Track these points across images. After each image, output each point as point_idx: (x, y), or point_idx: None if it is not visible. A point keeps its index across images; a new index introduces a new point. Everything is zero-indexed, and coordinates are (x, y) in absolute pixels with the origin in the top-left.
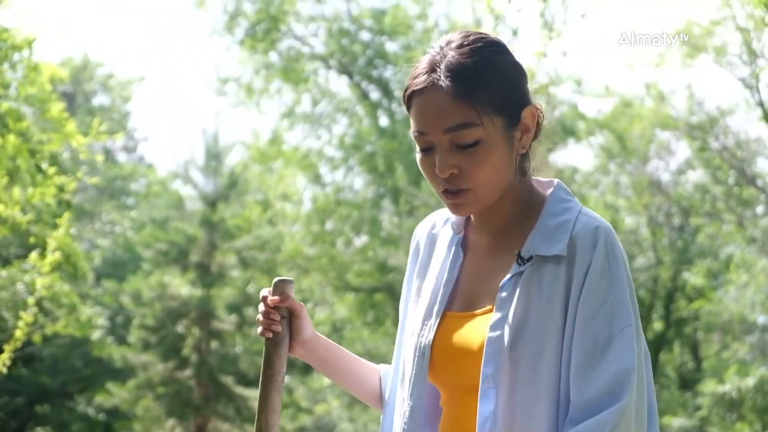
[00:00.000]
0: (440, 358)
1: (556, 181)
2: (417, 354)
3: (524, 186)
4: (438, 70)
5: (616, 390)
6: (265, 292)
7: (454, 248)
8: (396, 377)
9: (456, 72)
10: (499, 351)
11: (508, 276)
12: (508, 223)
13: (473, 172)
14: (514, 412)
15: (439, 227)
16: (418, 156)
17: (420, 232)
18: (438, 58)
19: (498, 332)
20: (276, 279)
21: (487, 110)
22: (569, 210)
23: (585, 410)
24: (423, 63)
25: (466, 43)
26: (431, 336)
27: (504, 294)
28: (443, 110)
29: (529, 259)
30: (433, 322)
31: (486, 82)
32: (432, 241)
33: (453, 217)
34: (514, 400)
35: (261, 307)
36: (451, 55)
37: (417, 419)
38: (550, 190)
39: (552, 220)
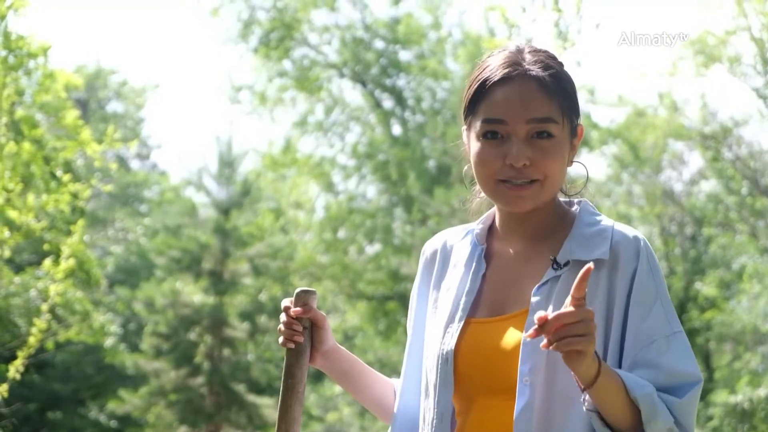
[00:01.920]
0: (465, 363)
1: (582, 199)
2: (440, 362)
3: (557, 199)
4: (524, 63)
5: (678, 386)
6: (287, 302)
7: (476, 259)
8: (406, 389)
9: (547, 67)
10: (537, 349)
11: (543, 280)
12: (541, 232)
13: (543, 166)
14: (552, 408)
15: (453, 242)
16: (477, 145)
17: (431, 248)
18: (518, 56)
19: None
20: (298, 289)
21: (566, 111)
22: (603, 221)
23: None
24: (499, 58)
25: (540, 50)
26: (453, 342)
27: (538, 298)
28: (532, 100)
29: (566, 264)
30: (456, 329)
31: (567, 85)
32: (446, 256)
33: (477, 229)
34: (552, 396)
35: (283, 317)
36: (532, 55)
37: (445, 427)
38: (577, 206)
39: (588, 228)
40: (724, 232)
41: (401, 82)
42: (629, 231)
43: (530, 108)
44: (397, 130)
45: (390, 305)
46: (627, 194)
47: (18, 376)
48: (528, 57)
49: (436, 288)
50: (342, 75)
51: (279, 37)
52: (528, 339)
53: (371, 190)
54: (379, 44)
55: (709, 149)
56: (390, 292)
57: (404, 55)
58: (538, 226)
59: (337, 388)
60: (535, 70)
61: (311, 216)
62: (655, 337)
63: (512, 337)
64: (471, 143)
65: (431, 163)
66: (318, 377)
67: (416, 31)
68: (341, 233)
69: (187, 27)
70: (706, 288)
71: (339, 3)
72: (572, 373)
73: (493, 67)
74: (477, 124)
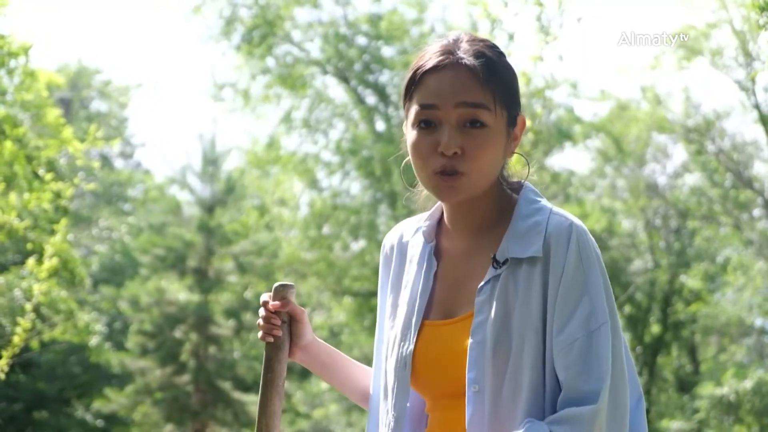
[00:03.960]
0: (422, 368)
1: (523, 182)
2: (398, 365)
3: (498, 189)
4: (458, 52)
5: (593, 391)
6: (266, 296)
7: (427, 257)
8: (377, 388)
9: (479, 55)
10: (482, 355)
11: (485, 280)
12: (483, 226)
13: (474, 155)
14: (501, 414)
15: (408, 237)
16: (413, 134)
17: (389, 243)
18: (453, 46)
19: (479, 337)
20: (277, 284)
21: (500, 100)
22: (540, 211)
23: (565, 408)
24: (435, 47)
25: (478, 39)
26: (411, 347)
27: (482, 298)
28: (463, 85)
29: (505, 262)
30: (413, 333)
31: (503, 74)
32: (402, 251)
33: (424, 226)
34: (500, 401)
35: (262, 311)
36: (469, 44)
37: (402, 430)
38: (519, 193)
39: (524, 222)
40: (708, 224)
41: (384, 78)
42: (563, 221)
43: (460, 93)
44: (380, 126)
45: (375, 301)
46: (611, 188)
47: (3, 376)
48: (463, 46)
49: (394, 285)
50: (325, 72)
51: (261, 34)
52: (474, 345)
53: (355, 187)
54: (361, 40)
55: (692, 142)
56: (375, 288)
57: (387, 51)
58: (480, 220)
59: (324, 385)
60: (467, 59)
61: (296, 213)
62: (577, 336)
63: (461, 341)
64: (408, 133)
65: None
66: (304, 374)
67: (399, 27)
68: (326, 230)
69: (170, 25)
70: (691, 281)
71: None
72: None
73: (428, 55)
74: (411, 112)
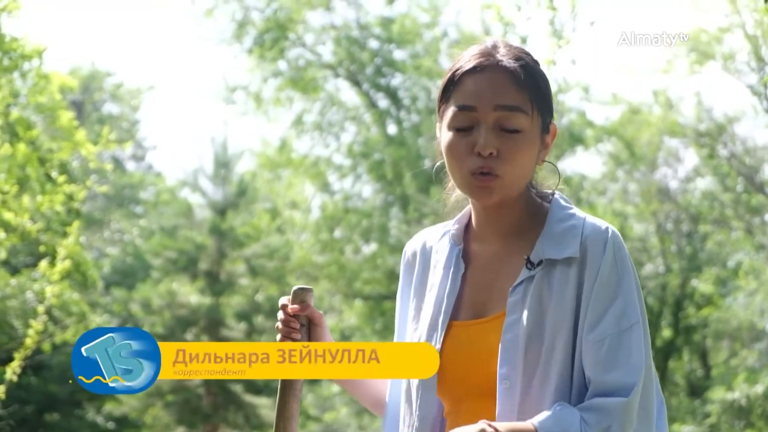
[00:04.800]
0: (449, 367)
1: (555, 191)
2: None
3: (529, 196)
4: (497, 55)
5: (624, 385)
6: (285, 300)
7: (455, 260)
8: (395, 388)
9: (518, 59)
10: (515, 352)
11: (518, 281)
12: (513, 231)
13: (509, 158)
14: (528, 409)
15: (432, 242)
16: (448, 135)
17: (411, 249)
18: (492, 49)
19: (512, 334)
20: (295, 287)
21: (536, 105)
22: (574, 216)
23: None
24: (473, 50)
25: (515, 45)
26: (438, 346)
27: (515, 298)
28: (502, 88)
29: (539, 263)
30: (440, 333)
31: (540, 80)
32: (426, 257)
33: (453, 229)
34: (529, 397)
35: (280, 314)
36: (507, 49)
37: (424, 430)
38: (548, 201)
39: (559, 225)
40: (719, 229)
41: (396, 81)
42: (600, 224)
43: (499, 95)
44: (392, 129)
45: (386, 304)
46: (623, 192)
47: (15, 378)
48: (502, 50)
49: (417, 290)
50: (337, 75)
51: (273, 37)
52: (506, 342)
53: (367, 190)
54: (373, 44)
55: (704, 146)
56: (386, 291)
57: (399, 55)
58: (511, 224)
59: (335, 388)
60: (507, 61)
61: (307, 216)
62: (608, 334)
63: (492, 340)
64: (443, 134)
65: (427, 163)
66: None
67: (411, 31)
68: (337, 233)
69: (182, 28)
70: (703, 285)
71: (334, 3)
72: None
73: (466, 58)
74: (448, 114)
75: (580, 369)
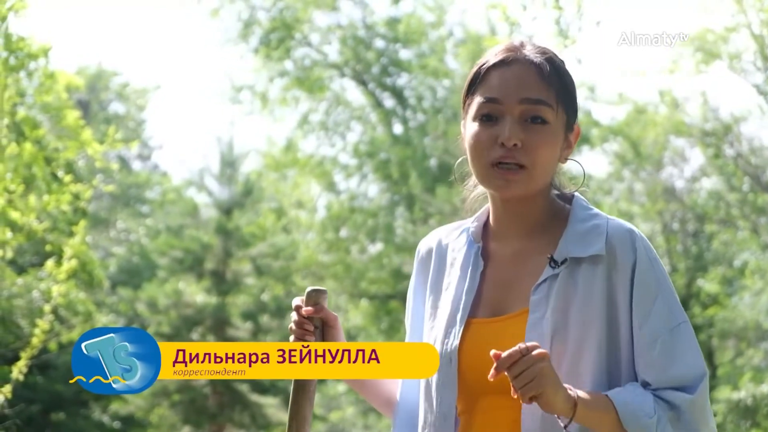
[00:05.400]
0: (468, 364)
1: (575, 193)
2: (443, 362)
3: (550, 195)
4: (523, 50)
5: (687, 383)
6: (298, 300)
7: (473, 257)
8: (407, 388)
9: (546, 55)
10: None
11: (541, 279)
12: (535, 229)
13: (533, 149)
14: None
15: (449, 240)
16: (473, 127)
17: (426, 247)
18: (518, 45)
19: (537, 332)
20: (309, 288)
21: (562, 101)
22: (597, 216)
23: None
24: (500, 47)
25: (542, 45)
26: (456, 343)
27: (538, 296)
28: (528, 81)
29: (563, 261)
30: (458, 329)
31: (566, 76)
32: (441, 255)
33: (472, 227)
34: None
35: (294, 316)
36: (533, 46)
37: (448, 427)
38: (568, 202)
39: (582, 224)
40: (725, 228)
41: (402, 81)
42: (623, 224)
43: (525, 88)
44: (398, 129)
45: (392, 304)
46: (628, 191)
47: (21, 378)
48: (528, 47)
49: (433, 288)
50: (343, 74)
51: (279, 37)
52: (531, 339)
53: (373, 189)
54: (379, 43)
55: (710, 146)
56: (392, 291)
57: (405, 54)
58: (532, 222)
59: (341, 388)
60: (533, 56)
61: (313, 215)
62: (659, 333)
63: (514, 336)
64: (467, 126)
65: (433, 162)
66: None
67: (417, 30)
68: (343, 232)
69: (188, 28)
70: (709, 284)
71: (340, 2)
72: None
73: (492, 53)
74: (473, 106)
75: (615, 365)
